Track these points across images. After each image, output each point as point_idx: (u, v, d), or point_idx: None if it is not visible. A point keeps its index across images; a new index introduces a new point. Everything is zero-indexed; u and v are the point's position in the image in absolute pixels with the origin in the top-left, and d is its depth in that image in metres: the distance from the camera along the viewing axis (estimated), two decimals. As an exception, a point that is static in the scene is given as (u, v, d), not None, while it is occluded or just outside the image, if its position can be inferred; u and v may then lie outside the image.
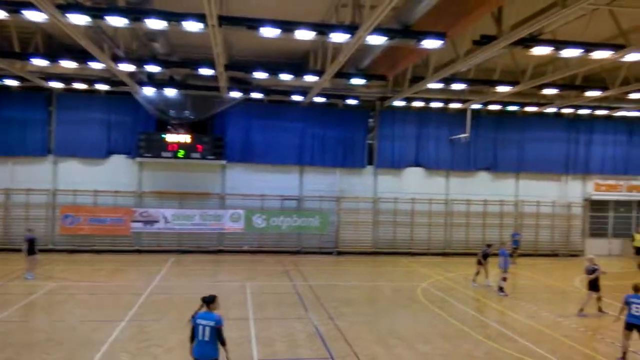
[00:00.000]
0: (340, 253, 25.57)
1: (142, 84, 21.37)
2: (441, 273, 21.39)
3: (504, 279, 17.47)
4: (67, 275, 18.87)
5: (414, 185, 26.70)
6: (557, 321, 14.28)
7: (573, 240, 27.88)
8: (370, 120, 26.49)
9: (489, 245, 19.46)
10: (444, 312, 14.87)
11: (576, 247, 27.89)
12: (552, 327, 13.58)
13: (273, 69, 19.44)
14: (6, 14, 13.20)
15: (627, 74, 19.69)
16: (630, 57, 15.29)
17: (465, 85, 20.76)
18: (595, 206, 28.45)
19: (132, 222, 23.82)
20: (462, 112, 25.23)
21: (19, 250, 18.54)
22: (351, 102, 24.21)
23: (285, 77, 19.60)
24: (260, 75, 19.54)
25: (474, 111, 25.56)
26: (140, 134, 23.75)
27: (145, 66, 18.67)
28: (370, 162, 26.53)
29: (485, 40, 14.86)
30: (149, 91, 22.24)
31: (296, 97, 23.27)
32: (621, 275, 21.06)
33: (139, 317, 13.49)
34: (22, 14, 13.01)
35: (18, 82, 21.61)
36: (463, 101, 24.09)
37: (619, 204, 28.66)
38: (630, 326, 10.95)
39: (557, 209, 27.66)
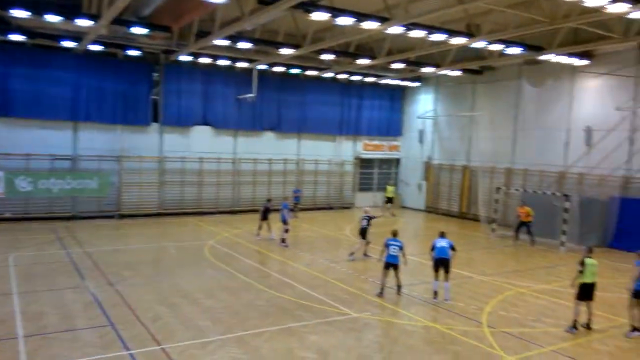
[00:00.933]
0: (123, 216, 24.10)
1: None
2: (228, 230, 21.86)
3: (286, 231, 18.67)
4: None
5: (202, 144, 26.39)
6: (331, 266, 15.90)
7: (345, 195, 31.09)
8: (155, 74, 25.11)
9: (269, 200, 20.50)
10: (229, 267, 15.31)
11: (348, 200, 31.18)
12: (326, 272, 15.08)
13: (37, 7, 16.85)
14: None
15: (391, 46, 22.25)
16: (393, 29, 17.21)
17: (251, 44, 21.01)
18: (364, 164, 32.04)
19: None
20: (249, 71, 25.59)
21: None
22: (132, 52, 22.50)
23: (53, 18, 17.19)
24: (19, 13, 16.76)
25: (260, 72, 26.14)
26: None
27: None
28: (155, 120, 25.29)
29: (269, 0, 15.18)
30: None
31: (67, 44, 20.73)
32: (383, 223, 24.30)
33: None
34: None
35: None
36: (249, 61, 24.40)
37: (382, 161, 32.76)
38: (387, 265, 12.77)
39: (333, 166, 30.40)
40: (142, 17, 18.40)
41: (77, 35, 19.86)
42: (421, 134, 31.17)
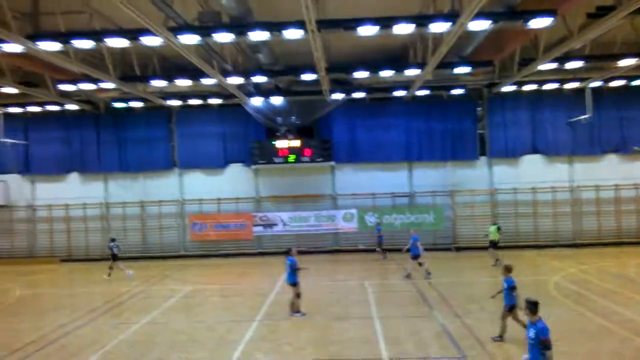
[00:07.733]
0: (458, 249, 24.84)
1: (250, 94, 22.36)
2: (573, 265, 19.94)
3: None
4: (200, 278, 20.37)
5: (533, 173, 25.23)
6: None
7: None
8: (479, 108, 25.53)
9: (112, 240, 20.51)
10: (581, 307, 13.82)
11: None
12: None
13: (373, 66, 19.43)
14: (127, 42, 14.71)
15: None
16: None
17: (582, 62, 19.20)
18: None
19: (253, 227, 25.11)
20: (579, 91, 23.42)
21: (158, 258, 20.89)
22: (456, 92, 23.52)
23: (386, 73, 19.53)
24: (360, 74, 19.64)
25: (594, 89, 23.57)
26: (252, 142, 24.93)
27: (251, 77, 19.56)
28: (483, 153, 25.51)
29: (601, 12, 13.67)
30: (256, 101, 23.21)
31: (398, 93, 23.10)
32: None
33: (268, 316, 14.09)
34: (140, 40, 14.41)
35: (141, 103, 23.70)
36: (580, 80, 22.34)
37: None
38: None
39: None
40: (464, 56, 19.05)
41: (406, 84, 21.88)
42: None
